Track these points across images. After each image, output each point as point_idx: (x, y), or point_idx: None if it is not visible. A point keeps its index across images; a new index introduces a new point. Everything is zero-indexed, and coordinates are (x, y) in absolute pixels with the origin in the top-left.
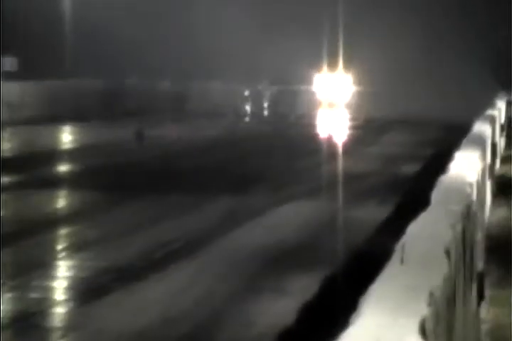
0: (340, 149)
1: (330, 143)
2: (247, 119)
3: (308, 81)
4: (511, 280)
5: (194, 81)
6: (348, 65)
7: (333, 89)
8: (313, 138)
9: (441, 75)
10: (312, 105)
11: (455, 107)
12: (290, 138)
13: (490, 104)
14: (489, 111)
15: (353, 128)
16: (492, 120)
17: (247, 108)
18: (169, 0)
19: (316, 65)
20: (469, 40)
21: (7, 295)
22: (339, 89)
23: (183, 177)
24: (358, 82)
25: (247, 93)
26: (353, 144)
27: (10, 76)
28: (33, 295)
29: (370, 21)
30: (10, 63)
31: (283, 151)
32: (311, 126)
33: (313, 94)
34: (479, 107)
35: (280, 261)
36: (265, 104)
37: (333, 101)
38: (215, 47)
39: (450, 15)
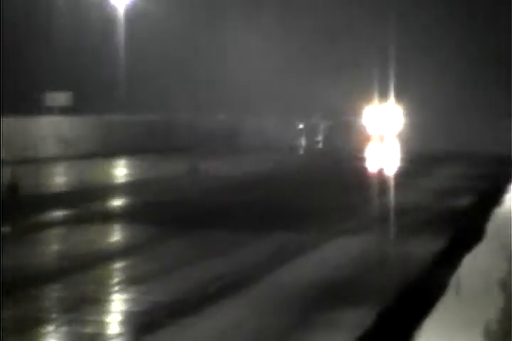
0: (393, 182)
1: (384, 177)
2: (301, 153)
3: (359, 114)
4: None
5: (247, 115)
6: (398, 97)
7: (384, 121)
8: (367, 171)
9: (491, 109)
10: (364, 138)
11: (506, 141)
12: (344, 172)
13: None
14: None
15: (405, 161)
16: None
17: (302, 141)
18: (220, 34)
19: (366, 98)
20: None
21: (61, 329)
22: (389, 122)
23: (234, 213)
24: (408, 114)
25: (301, 126)
26: (407, 177)
27: (65, 111)
28: (86, 329)
29: (421, 54)
30: (65, 98)
31: (337, 185)
32: (365, 159)
33: (365, 127)
34: None
35: (337, 295)
36: (319, 138)
37: (384, 133)
38: (267, 81)
39: (496, 50)
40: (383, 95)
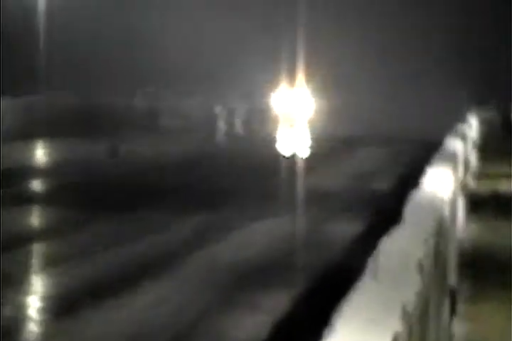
0: (309, 166)
1: (297, 161)
2: (219, 137)
3: (273, 97)
4: (483, 295)
5: (167, 94)
6: (311, 76)
7: (294, 104)
8: (283, 156)
9: (412, 85)
10: (279, 122)
11: (425, 120)
12: (263, 158)
13: (462, 118)
14: (461, 127)
15: (318, 146)
16: (463, 136)
17: (220, 125)
18: (145, 13)
19: (280, 81)
20: (448, 45)
21: None
22: (300, 105)
23: (154, 195)
24: (322, 95)
25: (218, 110)
26: (322, 162)
27: None
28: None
29: (333, 27)
30: None
31: (258, 171)
32: (282, 144)
33: (279, 110)
34: (451, 121)
35: (253, 276)
36: (237, 122)
37: (295, 117)
38: (183, 62)
39: (424, 14)
40: (295, 75)
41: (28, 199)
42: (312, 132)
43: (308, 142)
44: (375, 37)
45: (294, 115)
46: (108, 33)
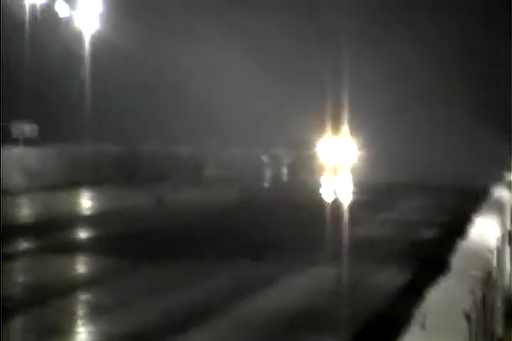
0: (354, 215)
1: (347, 209)
2: (266, 185)
3: (317, 146)
4: None
5: (213, 145)
6: (352, 129)
7: (339, 153)
8: (330, 204)
9: (450, 136)
10: (323, 171)
11: (465, 169)
12: (310, 205)
13: (505, 165)
14: (507, 175)
15: (362, 193)
16: (510, 184)
17: (267, 173)
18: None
19: (323, 130)
20: (479, 95)
21: None
22: (344, 153)
23: (199, 244)
24: (363, 145)
25: (264, 158)
26: (366, 210)
27: (29, 142)
28: None
29: (374, 77)
30: (30, 130)
31: (303, 218)
32: (327, 192)
33: (323, 159)
34: (496, 169)
35: (298, 326)
36: (284, 170)
37: (339, 165)
38: (226, 115)
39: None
40: (338, 126)
41: (74, 248)
42: (355, 179)
43: (352, 189)
44: (417, 89)
45: (338, 163)
46: (153, 82)
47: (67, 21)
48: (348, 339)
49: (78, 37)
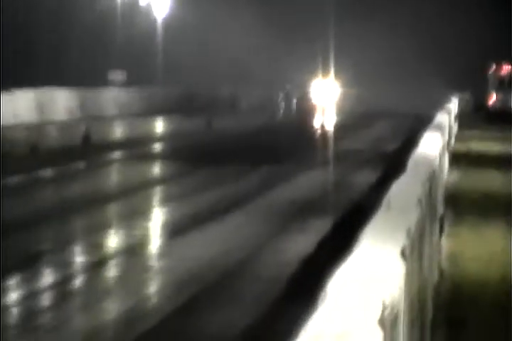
0: (339, 134)
1: (333, 131)
2: (281, 113)
3: (310, 86)
4: (462, 220)
5: (241, 86)
6: (338, 71)
7: (327, 91)
8: (323, 127)
9: (410, 77)
10: (317, 104)
11: (423, 102)
12: (310, 128)
13: (448, 99)
14: (447, 105)
15: (344, 119)
16: (448, 111)
17: (282, 105)
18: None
19: (315, 74)
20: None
21: (119, 232)
22: (331, 91)
23: (239, 153)
24: (346, 85)
25: (281, 95)
26: (347, 130)
27: (120, 84)
28: (137, 231)
29: (357, 37)
30: (121, 75)
31: (304, 137)
32: (320, 119)
33: (314, 96)
34: (441, 101)
35: (307, 209)
36: (294, 104)
37: (328, 100)
38: (248, 66)
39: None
40: (327, 70)
41: (151, 156)
42: (339, 110)
43: (337, 116)
44: (388, 45)
45: (327, 98)
46: (204, 46)
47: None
48: (336, 217)
49: (154, 18)
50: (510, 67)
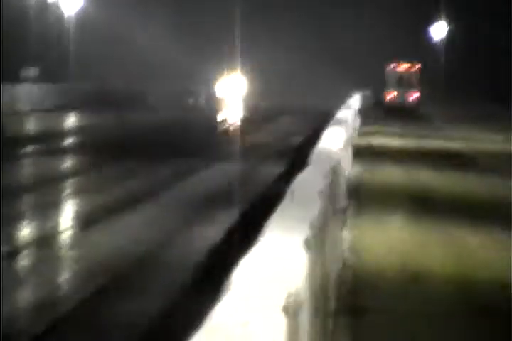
0: (246, 128)
1: (239, 125)
2: (187, 110)
3: (218, 83)
4: (362, 211)
5: (149, 83)
6: (244, 68)
7: (233, 88)
8: (229, 122)
9: (316, 75)
10: (222, 101)
11: (328, 99)
12: (215, 123)
13: (349, 96)
14: (349, 101)
15: (251, 114)
16: (349, 107)
17: (190, 101)
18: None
19: (221, 71)
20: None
21: (32, 222)
22: (238, 88)
23: (148, 148)
24: (252, 81)
25: (190, 91)
26: (254, 124)
27: (33, 80)
28: (49, 220)
29: (265, 38)
30: (33, 71)
31: (210, 132)
32: (226, 115)
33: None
34: (344, 98)
35: (216, 201)
36: (202, 100)
37: (235, 97)
38: (157, 61)
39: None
40: (233, 68)
41: (63, 150)
42: (246, 106)
43: (244, 112)
44: (296, 48)
45: (234, 94)
46: (118, 44)
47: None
48: (243, 208)
49: (66, 14)
50: (407, 65)
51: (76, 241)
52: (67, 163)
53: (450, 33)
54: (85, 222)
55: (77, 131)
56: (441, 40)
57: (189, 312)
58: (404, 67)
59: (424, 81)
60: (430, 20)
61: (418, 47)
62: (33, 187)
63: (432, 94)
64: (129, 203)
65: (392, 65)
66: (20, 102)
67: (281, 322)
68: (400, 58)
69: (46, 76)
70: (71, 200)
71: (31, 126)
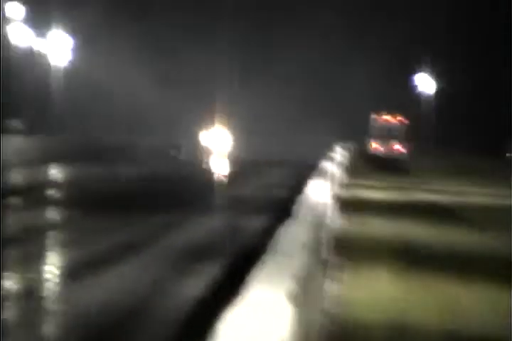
0: (230, 181)
1: (225, 177)
2: (170, 163)
3: (202, 135)
4: (346, 264)
5: (137, 135)
6: (228, 121)
7: (217, 140)
8: (213, 174)
9: (302, 131)
10: (207, 153)
11: (313, 150)
12: (200, 174)
13: (331, 148)
14: (330, 153)
15: (235, 167)
16: (332, 159)
17: (172, 153)
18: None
19: (206, 124)
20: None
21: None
22: (223, 141)
23: (135, 200)
24: (236, 134)
25: (172, 146)
26: (239, 178)
27: (17, 132)
28: (31, 275)
29: (245, 92)
30: (17, 124)
31: (194, 186)
32: (210, 166)
33: (206, 144)
34: (325, 150)
35: (199, 255)
36: (183, 152)
37: (219, 149)
38: (143, 114)
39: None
40: (217, 120)
41: (47, 203)
42: (230, 158)
43: (228, 164)
44: (276, 101)
45: (218, 147)
46: (100, 95)
47: (45, 56)
48: (227, 261)
49: (54, 66)
50: (387, 117)
51: (59, 296)
52: (51, 215)
53: (438, 86)
54: (68, 276)
55: (62, 183)
56: (430, 95)
57: None
58: (386, 118)
59: (415, 133)
60: (416, 71)
61: (406, 98)
62: (15, 240)
63: (422, 147)
64: (113, 257)
65: (375, 116)
66: (6, 154)
67: None
68: (388, 109)
69: (33, 127)
70: (52, 253)
71: (16, 178)
